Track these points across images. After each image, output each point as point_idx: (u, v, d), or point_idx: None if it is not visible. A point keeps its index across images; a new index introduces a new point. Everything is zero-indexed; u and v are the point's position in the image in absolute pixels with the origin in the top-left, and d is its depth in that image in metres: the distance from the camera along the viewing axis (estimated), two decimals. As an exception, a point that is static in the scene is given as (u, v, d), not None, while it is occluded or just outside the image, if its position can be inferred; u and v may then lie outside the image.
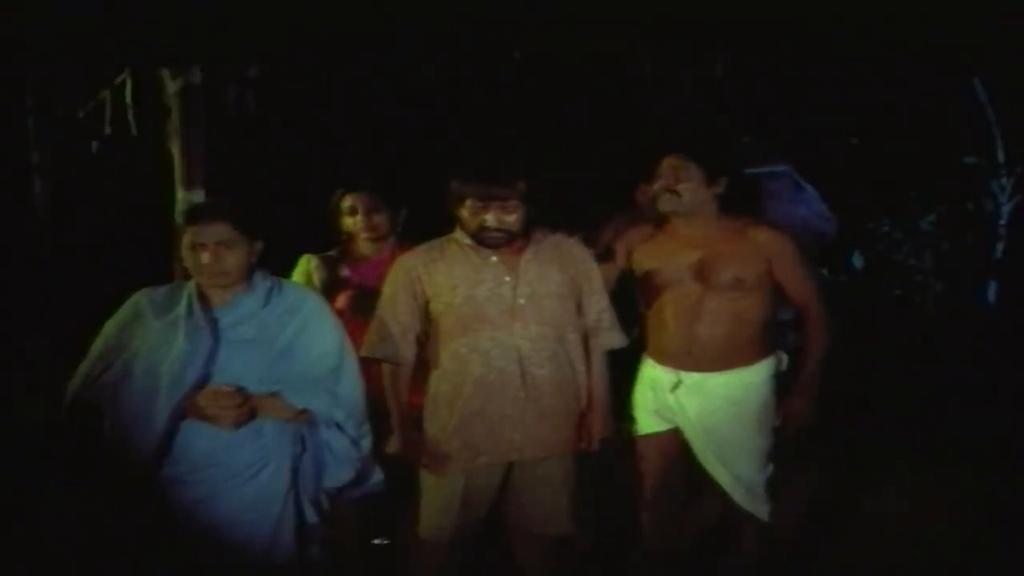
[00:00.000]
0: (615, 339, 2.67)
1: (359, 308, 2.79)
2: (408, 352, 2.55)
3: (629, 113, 6.15)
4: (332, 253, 3.05)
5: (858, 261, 6.80)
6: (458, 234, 2.58)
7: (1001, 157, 6.83)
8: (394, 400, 2.57)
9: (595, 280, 2.66)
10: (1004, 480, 3.89)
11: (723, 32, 5.78)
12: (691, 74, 6.01)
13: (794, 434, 2.78)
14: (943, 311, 6.82)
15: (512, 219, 2.46)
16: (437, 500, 2.57)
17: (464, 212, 2.48)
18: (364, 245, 3.02)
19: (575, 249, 2.66)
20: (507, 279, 2.52)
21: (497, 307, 2.50)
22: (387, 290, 2.58)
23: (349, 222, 3.00)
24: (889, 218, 6.92)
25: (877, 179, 6.66)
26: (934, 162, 6.70)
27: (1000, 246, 6.86)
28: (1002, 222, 6.86)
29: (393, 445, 2.58)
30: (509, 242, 2.50)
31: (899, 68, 6.14)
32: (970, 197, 6.91)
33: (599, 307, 2.65)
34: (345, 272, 2.98)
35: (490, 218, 2.44)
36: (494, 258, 2.53)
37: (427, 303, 2.54)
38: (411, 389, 2.61)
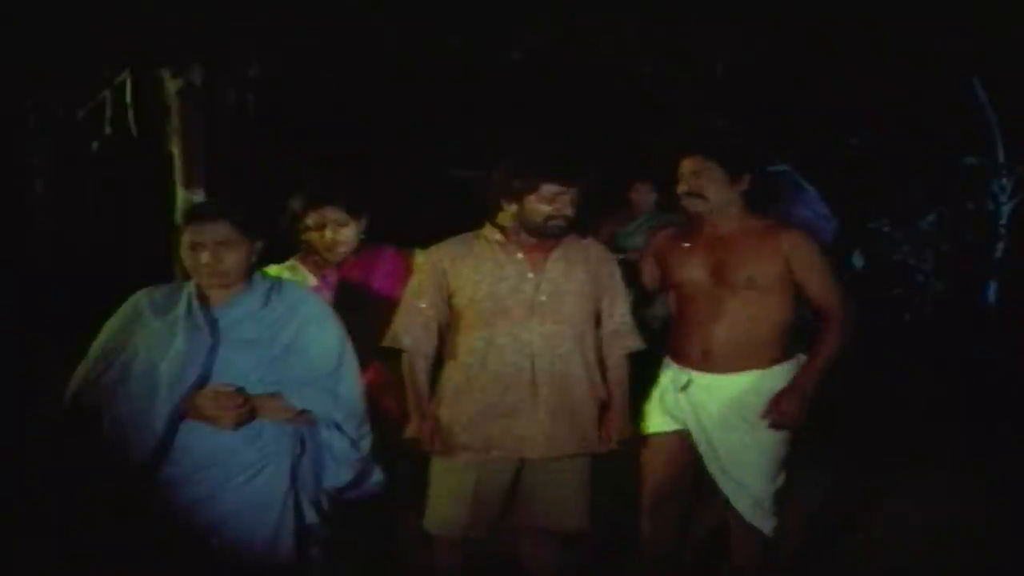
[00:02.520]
0: (636, 341, 2.71)
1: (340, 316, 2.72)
2: (429, 345, 2.61)
3: (626, 112, 6.15)
4: (292, 262, 2.91)
5: (858, 261, 6.79)
6: (487, 231, 2.64)
7: (1001, 157, 6.83)
8: (412, 388, 2.60)
9: (618, 284, 2.71)
10: (1004, 480, 3.89)
11: (723, 32, 5.78)
12: (691, 74, 6.02)
13: (778, 432, 2.68)
14: (943, 311, 6.82)
15: (574, 212, 2.56)
16: (447, 495, 2.59)
17: (534, 201, 2.53)
18: (326, 255, 2.86)
19: (600, 252, 2.73)
20: (530, 276, 2.57)
21: (518, 303, 2.55)
22: (413, 282, 2.65)
23: (315, 236, 2.82)
24: (889, 218, 6.92)
25: (877, 179, 6.66)
26: (934, 162, 6.70)
27: (1000, 246, 6.86)
28: (1002, 222, 6.86)
29: (411, 430, 2.60)
30: (565, 234, 2.58)
31: (899, 68, 6.14)
32: (970, 197, 6.92)
33: (622, 310, 2.70)
34: (312, 281, 2.84)
35: (562, 207, 2.53)
36: (520, 255, 2.59)
37: (450, 296, 2.60)
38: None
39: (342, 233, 2.81)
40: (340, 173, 3.19)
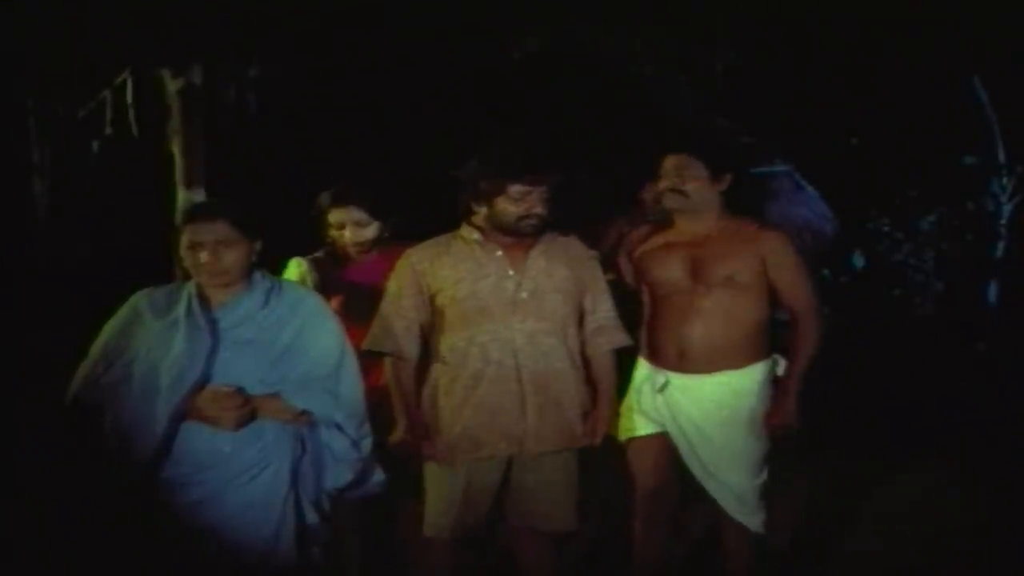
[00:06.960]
0: (622, 338, 2.70)
1: (352, 310, 2.77)
2: (412, 347, 2.59)
3: (630, 113, 6.15)
4: (319, 255, 2.98)
5: (858, 261, 6.81)
6: (465, 230, 2.63)
7: (1001, 157, 6.84)
8: (398, 393, 2.59)
9: (600, 280, 2.71)
10: (1004, 480, 3.89)
11: (723, 32, 5.79)
12: (691, 74, 6.02)
13: (779, 441, 2.69)
14: (943, 311, 6.82)
15: (546, 209, 2.54)
16: (440, 497, 2.59)
17: (503, 203, 2.51)
18: (350, 251, 2.93)
19: (581, 250, 2.72)
20: (511, 273, 2.56)
21: (499, 301, 2.54)
22: (392, 285, 2.61)
23: (336, 235, 2.90)
24: (889, 218, 6.93)
25: (877, 179, 6.66)
26: (934, 162, 6.70)
27: (1000, 246, 6.87)
28: (1002, 222, 6.87)
29: (397, 435, 2.58)
30: (540, 232, 2.57)
31: (899, 68, 6.15)
32: (970, 197, 6.92)
33: (605, 306, 2.69)
34: (336, 274, 2.91)
35: (532, 206, 2.51)
36: (499, 253, 2.57)
37: (432, 297, 2.58)
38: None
39: (360, 234, 2.87)
40: (366, 174, 3.22)
